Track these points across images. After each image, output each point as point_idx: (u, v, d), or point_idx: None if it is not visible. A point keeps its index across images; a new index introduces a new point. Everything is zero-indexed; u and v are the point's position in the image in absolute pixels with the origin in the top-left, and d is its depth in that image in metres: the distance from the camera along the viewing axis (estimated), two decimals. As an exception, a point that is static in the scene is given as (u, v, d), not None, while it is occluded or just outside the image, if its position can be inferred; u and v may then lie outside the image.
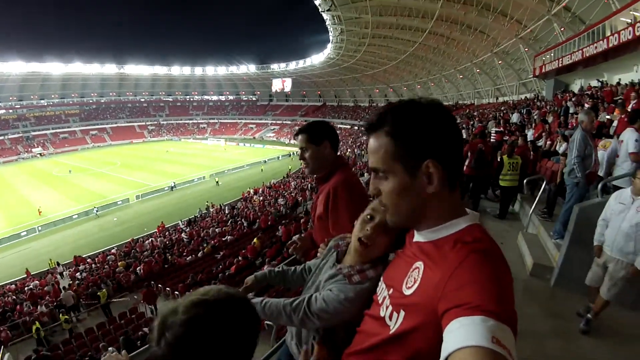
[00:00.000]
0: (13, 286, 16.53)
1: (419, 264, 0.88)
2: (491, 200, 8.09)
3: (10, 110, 64.04)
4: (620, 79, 16.10)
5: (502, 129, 13.64)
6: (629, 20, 15.01)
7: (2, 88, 61.49)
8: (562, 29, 21.87)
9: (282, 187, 30.17)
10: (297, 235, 2.18)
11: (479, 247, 0.78)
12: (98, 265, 17.70)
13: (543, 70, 23.25)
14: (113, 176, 39.19)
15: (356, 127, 54.61)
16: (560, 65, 20.67)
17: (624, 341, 3.26)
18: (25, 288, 15.70)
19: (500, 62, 31.42)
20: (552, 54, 22.30)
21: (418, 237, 0.95)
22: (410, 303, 0.85)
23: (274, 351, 2.98)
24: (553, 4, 20.90)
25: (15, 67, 58.15)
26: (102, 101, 76.16)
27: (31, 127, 63.60)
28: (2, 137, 59.47)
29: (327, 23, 39.18)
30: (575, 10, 20.52)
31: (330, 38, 45.15)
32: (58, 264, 18.49)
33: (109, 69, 69.71)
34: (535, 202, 6.29)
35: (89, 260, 18.69)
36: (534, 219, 6.09)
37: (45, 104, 68.53)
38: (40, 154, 57.70)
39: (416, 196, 0.87)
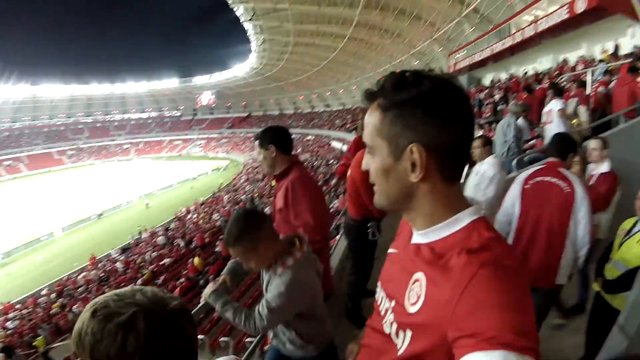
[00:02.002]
0: None
1: (420, 276, 0.77)
2: None
3: None
4: (526, 71, 17.93)
5: None
6: (531, 19, 16.79)
7: None
8: (472, 29, 23.60)
9: (215, 202, 29.58)
10: None
11: (489, 258, 0.67)
12: (30, 310, 16.38)
13: (457, 67, 25.03)
14: (34, 209, 35.61)
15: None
16: (472, 61, 22.43)
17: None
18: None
19: (417, 62, 33.19)
20: (464, 52, 24.17)
21: (416, 237, 0.85)
22: (416, 323, 0.75)
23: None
24: (463, 6, 22.55)
25: None
26: (16, 127, 69.19)
27: None
28: None
29: (249, 33, 39.27)
30: (484, 12, 22.19)
31: (253, 48, 45.24)
32: None
33: (22, 90, 63.50)
34: None
35: (18, 306, 17.26)
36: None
37: None
38: None
39: (399, 181, 0.79)
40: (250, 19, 34.01)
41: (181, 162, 58.87)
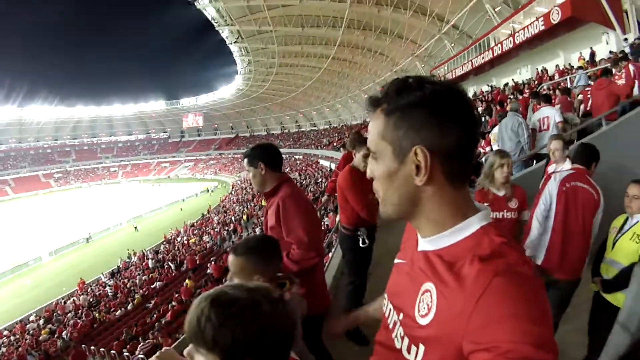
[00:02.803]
0: None
1: (430, 286, 0.75)
2: None
3: None
4: (507, 83, 18.42)
5: None
6: (509, 32, 17.35)
7: None
8: (452, 44, 24.24)
9: (204, 224, 29.36)
10: None
11: (503, 266, 0.65)
12: (17, 336, 15.96)
13: (439, 82, 25.62)
14: (20, 233, 35.00)
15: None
16: (454, 76, 22.99)
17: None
18: None
19: (399, 79, 34.01)
20: (445, 67, 24.77)
21: (423, 244, 0.82)
22: (429, 336, 0.72)
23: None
24: (443, 23, 23.16)
25: None
26: (1, 149, 68.09)
27: None
28: None
29: (234, 55, 39.58)
30: (463, 28, 22.86)
31: (239, 69, 45.48)
32: None
33: (7, 112, 62.66)
34: None
35: (6, 332, 16.83)
36: None
37: None
38: None
39: (404, 185, 0.77)
40: (235, 41, 34.28)
41: (169, 185, 58.42)
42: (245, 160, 2.34)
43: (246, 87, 51.85)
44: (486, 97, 16.88)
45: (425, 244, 0.81)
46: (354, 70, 37.77)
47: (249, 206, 29.56)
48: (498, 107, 9.71)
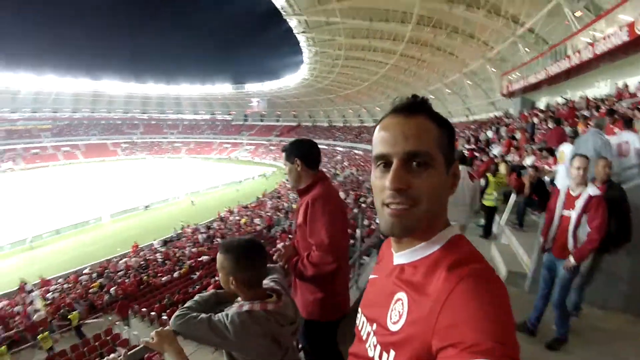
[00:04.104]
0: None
1: (402, 295, 0.79)
2: None
3: (-24, 124, 60.43)
4: (585, 95, 16.81)
5: (473, 146, 14.19)
6: (589, 40, 15.78)
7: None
8: (526, 49, 22.76)
9: (258, 207, 29.96)
10: (282, 244, 2.41)
11: (467, 272, 0.70)
12: (70, 285, 17.20)
13: (510, 89, 24.09)
14: (85, 193, 37.92)
15: (331, 148, 54.97)
16: (526, 84, 21.50)
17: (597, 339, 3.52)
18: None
19: (469, 82, 32.42)
20: (518, 74, 23.20)
21: (398, 258, 0.86)
22: (399, 340, 0.76)
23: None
24: (517, 26, 21.74)
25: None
26: (75, 117, 73.48)
27: (1, 141, 60.38)
28: (-31, 151, 56.13)
29: (301, 44, 39.59)
30: (539, 32, 21.37)
31: (305, 59, 45.52)
32: (26, 283, 17.66)
33: (83, 84, 67.74)
34: (507, 213, 6.66)
35: (60, 280, 18.19)
36: (505, 229, 6.29)
37: (16, 117, 65.47)
38: (10, 169, 55.07)
39: (445, 197, 0.81)
40: (302, 31, 34.39)
41: (228, 165, 60.27)
42: (284, 153, 2.33)
43: (311, 77, 51.89)
44: (559, 112, 15.43)
45: (401, 258, 0.85)
46: (421, 69, 36.62)
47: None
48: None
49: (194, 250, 19.83)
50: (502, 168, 8.13)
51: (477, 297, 0.65)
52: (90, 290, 15.65)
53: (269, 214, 26.03)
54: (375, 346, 0.83)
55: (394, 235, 0.84)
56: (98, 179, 46.62)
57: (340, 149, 55.04)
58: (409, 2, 23.69)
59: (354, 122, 64.99)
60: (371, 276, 1.03)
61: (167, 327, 1.49)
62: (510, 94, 24.64)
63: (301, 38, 37.07)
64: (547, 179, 6.68)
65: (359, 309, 1.00)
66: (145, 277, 16.56)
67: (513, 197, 7.01)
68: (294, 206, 24.71)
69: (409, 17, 26.17)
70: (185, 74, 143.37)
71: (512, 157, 10.14)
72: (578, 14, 17.47)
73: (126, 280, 16.40)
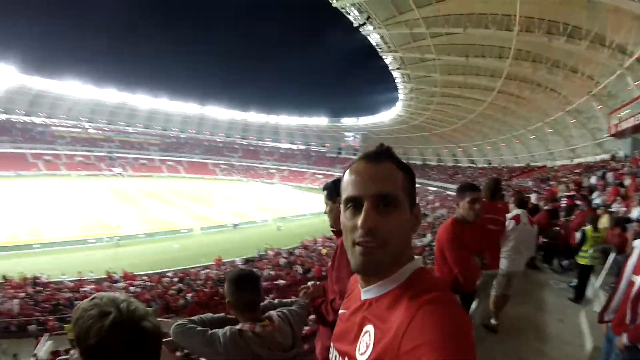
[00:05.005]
0: (72, 284, 17.53)
1: (369, 328, 0.85)
2: (555, 271, 7.26)
3: (100, 132, 70.19)
4: None
5: (573, 192, 13.30)
6: None
7: (96, 111, 68.29)
8: (637, 83, 20.55)
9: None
10: (311, 282, 2.30)
11: (427, 299, 0.76)
12: (153, 284, 18.35)
13: (619, 128, 21.95)
14: (182, 205, 41.47)
15: (424, 187, 54.11)
16: (637, 122, 19.53)
17: None
18: (81, 290, 16.56)
19: (573, 120, 30.08)
20: (628, 110, 21.18)
21: (365, 294, 0.92)
22: None
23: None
24: (625, 57, 19.46)
25: (109, 95, 64.41)
26: (182, 136, 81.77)
27: (115, 149, 68.93)
28: (89, 153, 64.93)
29: (396, 81, 39.97)
30: (651, 63, 19.11)
31: (400, 96, 45.64)
32: (114, 274, 19.29)
33: (192, 108, 75.44)
34: (604, 275, 5.64)
35: (144, 277, 19.51)
36: (600, 294, 5.19)
37: (131, 131, 74.71)
38: (120, 173, 62.62)
39: (410, 236, 0.89)
40: (398, 68, 34.71)
41: (318, 195, 61.21)
42: (324, 192, 2.28)
43: (406, 113, 51.69)
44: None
45: (368, 293, 0.91)
46: (521, 107, 34.50)
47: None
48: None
49: (272, 272, 20.18)
50: (605, 220, 6.92)
51: (436, 321, 0.70)
52: (169, 292, 16.62)
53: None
54: None
55: (364, 273, 0.91)
56: (195, 194, 50.60)
57: (433, 188, 53.74)
58: (506, 36, 22.59)
59: (448, 162, 63.41)
60: (340, 311, 1.07)
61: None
62: (619, 134, 22.36)
63: (396, 74, 37.43)
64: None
65: (331, 343, 1.03)
66: (221, 290, 16.83)
67: (612, 256, 6.08)
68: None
69: (506, 52, 24.98)
70: (284, 106, 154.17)
71: (618, 208, 9.23)
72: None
73: (204, 290, 17.19)
